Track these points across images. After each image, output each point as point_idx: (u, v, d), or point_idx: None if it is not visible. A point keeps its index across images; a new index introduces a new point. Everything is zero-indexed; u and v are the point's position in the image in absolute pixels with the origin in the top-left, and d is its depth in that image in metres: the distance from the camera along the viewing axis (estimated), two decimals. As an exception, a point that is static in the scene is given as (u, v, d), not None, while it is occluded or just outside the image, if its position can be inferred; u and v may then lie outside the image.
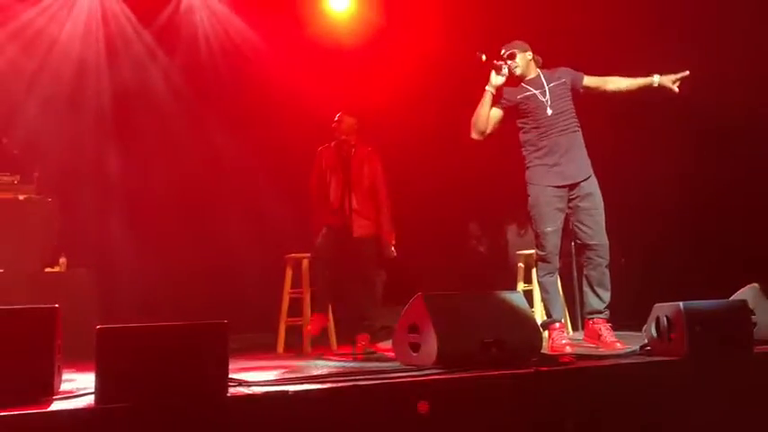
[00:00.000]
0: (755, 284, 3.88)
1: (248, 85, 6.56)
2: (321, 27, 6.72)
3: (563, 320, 4.22)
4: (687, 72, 4.02)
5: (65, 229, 5.11)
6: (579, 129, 4.12)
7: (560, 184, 4.03)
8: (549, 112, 4.04)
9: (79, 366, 3.13)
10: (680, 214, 5.84)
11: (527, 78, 4.16)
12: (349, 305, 4.62)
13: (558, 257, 4.11)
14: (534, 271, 5.41)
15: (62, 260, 5.05)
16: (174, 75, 6.61)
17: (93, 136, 6.12)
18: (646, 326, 3.49)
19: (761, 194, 5.32)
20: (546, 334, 4.07)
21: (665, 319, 3.35)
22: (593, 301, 4.08)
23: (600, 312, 4.06)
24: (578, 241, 4.13)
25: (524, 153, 4.16)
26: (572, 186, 4.03)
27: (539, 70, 4.21)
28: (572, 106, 4.12)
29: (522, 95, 4.13)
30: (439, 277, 6.61)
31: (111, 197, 6.05)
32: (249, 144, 6.47)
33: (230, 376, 2.56)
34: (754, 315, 3.66)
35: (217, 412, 2.40)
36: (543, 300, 4.21)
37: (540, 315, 5.35)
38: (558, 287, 4.27)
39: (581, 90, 4.15)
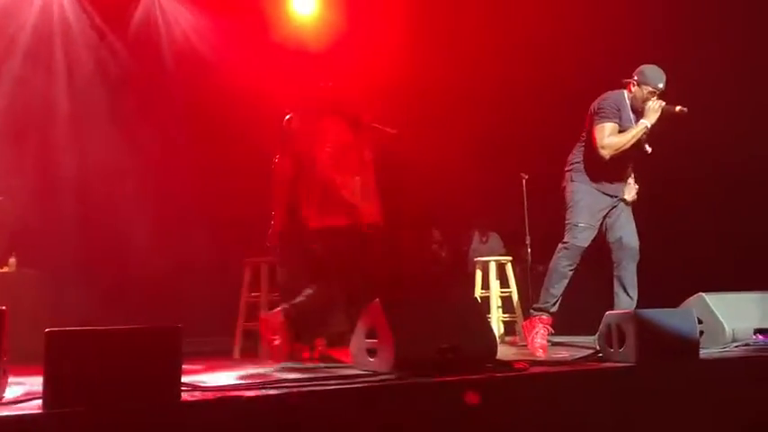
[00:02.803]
0: (702, 294, 4.01)
1: (210, 87, 6.49)
2: (286, 30, 6.71)
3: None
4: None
5: (15, 229, 4.98)
6: None
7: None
8: (649, 149, 4.17)
9: (27, 370, 3.05)
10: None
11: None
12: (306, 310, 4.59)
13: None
14: (493, 277, 5.49)
15: (12, 260, 4.91)
16: (133, 74, 6.50)
17: (45, 134, 5.98)
18: (598, 333, 3.57)
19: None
20: (528, 323, 4.20)
21: (616, 327, 3.43)
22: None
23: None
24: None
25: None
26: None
27: None
28: None
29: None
30: (399, 283, 6.64)
31: (63, 196, 5.91)
32: (209, 145, 6.41)
33: (184, 381, 2.53)
34: (701, 323, 3.78)
35: (169, 417, 2.37)
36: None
37: (496, 321, 5.43)
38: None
39: None
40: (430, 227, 7.57)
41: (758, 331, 3.96)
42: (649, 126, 4.08)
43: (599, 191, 4.23)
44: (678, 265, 4.92)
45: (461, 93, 6.96)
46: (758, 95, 5.33)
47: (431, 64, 6.83)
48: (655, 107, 4.07)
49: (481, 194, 7.19)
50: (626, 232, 4.24)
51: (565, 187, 4.32)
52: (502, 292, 5.61)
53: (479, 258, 5.83)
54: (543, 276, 4.75)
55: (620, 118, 4.14)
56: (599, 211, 4.22)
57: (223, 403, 2.48)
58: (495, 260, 5.66)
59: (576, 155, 4.34)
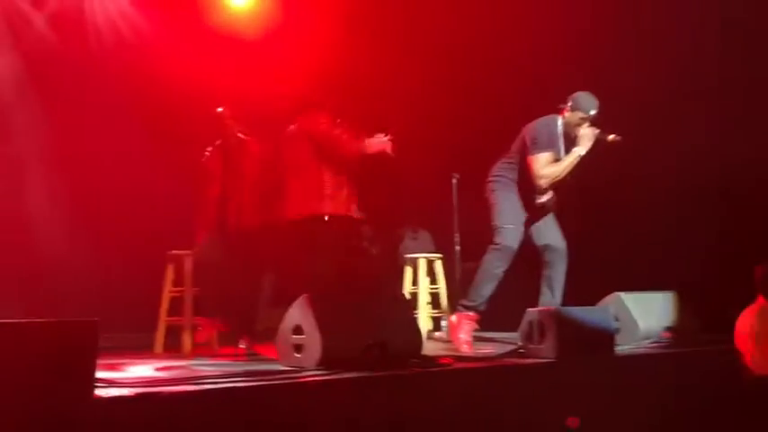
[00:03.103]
0: (618, 293, 4.19)
1: (137, 75, 6.27)
2: (219, 20, 6.57)
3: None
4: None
5: None
6: None
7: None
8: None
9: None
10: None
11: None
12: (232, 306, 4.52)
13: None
14: (423, 273, 5.55)
15: None
16: (57, 60, 6.20)
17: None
18: (519, 329, 3.67)
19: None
20: (455, 318, 4.24)
21: (537, 323, 3.53)
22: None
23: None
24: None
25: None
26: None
27: None
28: None
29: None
30: (327, 279, 6.60)
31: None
32: (134, 135, 6.19)
33: (99, 376, 2.44)
34: (617, 321, 3.95)
35: (81, 414, 2.28)
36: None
37: (423, 317, 5.49)
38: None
39: None
40: (360, 223, 7.58)
41: (667, 329, 4.16)
42: (582, 154, 4.14)
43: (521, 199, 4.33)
44: (596, 266, 5.10)
45: (394, 89, 6.99)
46: (670, 96, 5.57)
47: (363, 58, 6.83)
48: (588, 135, 4.13)
49: (412, 193, 7.25)
50: (552, 236, 4.36)
51: (488, 197, 4.41)
52: (431, 289, 5.68)
53: (409, 255, 5.88)
54: (472, 274, 4.83)
55: (554, 146, 4.21)
56: (522, 213, 4.31)
57: (140, 399, 2.41)
58: (424, 257, 5.72)
59: (501, 170, 4.40)
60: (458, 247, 5.78)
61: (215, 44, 6.46)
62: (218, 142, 4.69)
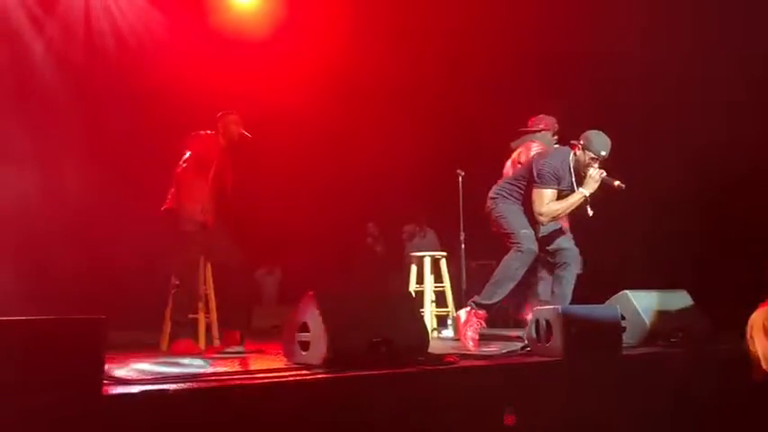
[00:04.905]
0: (626, 291, 4.16)
1: (140, 74, 6.28)
2: (225, 18, 6.57)
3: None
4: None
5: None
6: None
7: None
8: (591, 212, 4.20)
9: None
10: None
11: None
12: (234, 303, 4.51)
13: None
14: (428, 271, 5.55)
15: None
16: (60, 58, 6.22)
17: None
18: (527, 328, 3.65)
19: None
20: (463, 315, 4.24)
21: (544, 321, 3.52)
22: None
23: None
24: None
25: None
26: None
27: None
28: None
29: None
30: (334, 277, 6.62)
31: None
32: (138, 134, 6.20)
33: (108, 374, 2.45)
34: (624, 319, 3.93)
35: (91, 411, 2.28)
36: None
37: (429, 315, 5.49)
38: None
39: None
40: (366, 221, 7.58)
41: (678, 329, 4.13)
42: (587, 195, 4.14)
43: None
44: (605, 265, 5.09)
45: (401, 88, 6.99)
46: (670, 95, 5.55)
47: (371, 57, 6.83)
48: (595, 177, 4.12)
49: (418, 191, 7.25)
50: (563, 239, 4.38)
51: (491, 212, 4.40)
52: (436, 287, 5.67)
53: (414, 253, 5.88)
54: (476, 272, 4.83)
55: (560, 182, 4.21)
56: (528, 220, 4.31)
57: (147, 396, 2.41)
58: (429, 255, 5.72)
59: (502, 189, 4.41)
60: (463, 246, 5.77)
61: (219, 43, 6.46)
62: (213, 132, 4.64)
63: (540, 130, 4.93)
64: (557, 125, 5.00)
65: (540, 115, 5.02)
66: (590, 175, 4.13)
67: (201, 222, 4.39)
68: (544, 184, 4.19)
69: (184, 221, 4.38)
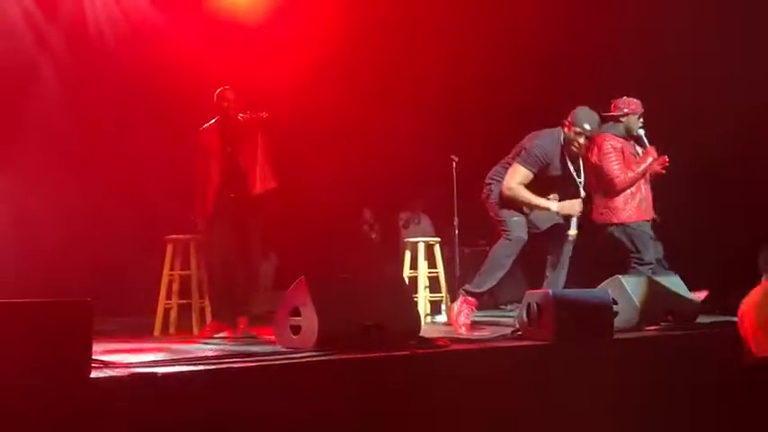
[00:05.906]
0: (618, 276, 4.16)
1: (136, 59, 6.23)
2: (220, 5, 6.52)
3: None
4: None
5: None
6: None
7: None
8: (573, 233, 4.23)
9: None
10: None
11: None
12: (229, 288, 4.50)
13: None
14: (422, 256, 5.55)
15: None
16: (56, 45, 6.17)
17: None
18: (518, 312, 3.66)
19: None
20: (456, 305, 4.26)
21: (535, 305, 3.52)
22: None
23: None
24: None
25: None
26: None
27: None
28: None
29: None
30: (330, 264, 6.61)
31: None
32: (131, 120, 6.17)
33: (96, 357, 2.45)
34: (616, 304, 3.93)
35: (79, 394, 2.28)
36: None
37: (423, 301, 5.50)
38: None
39: None
40: (361, 207, 7.56)
41: (669, 312, 4.14)
42: (552, 210, 4.19)
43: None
44: (597, 250, 5.08)
45: (395, 74, 6.95)
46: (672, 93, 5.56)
47: (366, 44, 6.79)
48: (574, 206, 4.19)
49: (413, 176, 7.23)
50: (554, 219, 4.35)
51: (487, 197, 4.39)
52: (429, 273, 5.67)
53: (408, 239, 5.88)
54: (470, 258, 4.81)
55: (549, 165, 4.21)
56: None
57: (136, 380, 2.41)
58: (423, 241, 5.71)
59: (499, 173, 4.36)
60: (456, 231, 5.77)
61: (216, 30, 6.41)
62: (214, 120, 4.61)
63: (625, 114, 4.71)
64: (641, 108, 4.74)
65: (624, 98, 4.77)
66: (571, 204, 4.19)
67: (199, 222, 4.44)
68: (526, 163, 4.20)
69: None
